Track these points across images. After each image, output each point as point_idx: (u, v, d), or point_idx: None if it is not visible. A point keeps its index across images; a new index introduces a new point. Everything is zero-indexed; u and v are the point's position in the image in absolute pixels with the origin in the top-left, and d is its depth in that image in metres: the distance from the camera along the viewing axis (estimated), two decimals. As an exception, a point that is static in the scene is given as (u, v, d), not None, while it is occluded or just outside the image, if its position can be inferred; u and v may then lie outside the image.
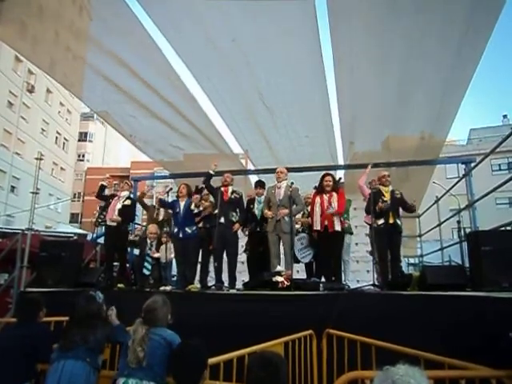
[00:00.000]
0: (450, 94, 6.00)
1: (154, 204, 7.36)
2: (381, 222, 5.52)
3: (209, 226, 6.35)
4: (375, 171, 6.30)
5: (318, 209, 5.71)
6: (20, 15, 5.33)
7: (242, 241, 6.77)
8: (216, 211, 6.10)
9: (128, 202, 6.40)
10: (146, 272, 6.26)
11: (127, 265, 6.82)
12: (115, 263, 6.55)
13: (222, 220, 5.98)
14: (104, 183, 6.77)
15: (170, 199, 6.51)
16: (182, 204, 6.19)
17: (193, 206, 6.10)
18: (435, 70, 5.58)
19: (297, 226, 6.26)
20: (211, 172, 6.28)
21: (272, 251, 5.77)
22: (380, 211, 5.49)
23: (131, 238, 6.90)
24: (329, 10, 4.75)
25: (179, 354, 2.44)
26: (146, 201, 8.18)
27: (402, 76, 5.80)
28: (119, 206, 6.30)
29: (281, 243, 5.82)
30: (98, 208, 7.70)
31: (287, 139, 7.58)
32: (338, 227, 5.61)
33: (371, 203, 5.50)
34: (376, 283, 5.27)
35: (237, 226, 6.07)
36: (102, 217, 6.69)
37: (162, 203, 6.56)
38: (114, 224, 6.21)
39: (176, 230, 6.09)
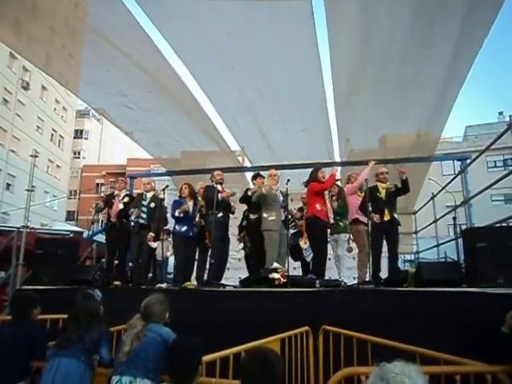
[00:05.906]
0: (446, 91, 6.01)
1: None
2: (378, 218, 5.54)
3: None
4: (375, 167, 6.25)
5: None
6: (14, 12, 5.27)
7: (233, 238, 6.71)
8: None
9: (126, 200, 6.47)
10: (142, 221, 6.12)
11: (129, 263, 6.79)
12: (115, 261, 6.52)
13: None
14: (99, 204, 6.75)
15: (165, 196, 6.47)
16: (191, 204, 6.19)
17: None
18: (431, 68, 5.58)
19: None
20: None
21: (274, 250, 5.67)
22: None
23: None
24: (325, 5, 4.75)
25: (174, 351, 2.44)
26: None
27: (398, 74, 5.81)
28: (121, 205, 6.38)
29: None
30: (93, 205, 7.59)
31: (284, 133, 7.56)
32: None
33: (367, 200, 5.50)
34: (371, 280, 5.29)
35: None
36: (104, 218, 6.61)
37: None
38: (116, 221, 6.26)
39: (185, 228, 6.05)
